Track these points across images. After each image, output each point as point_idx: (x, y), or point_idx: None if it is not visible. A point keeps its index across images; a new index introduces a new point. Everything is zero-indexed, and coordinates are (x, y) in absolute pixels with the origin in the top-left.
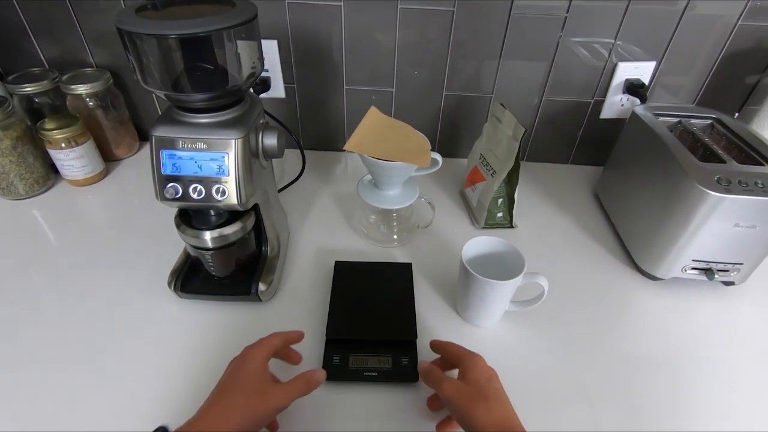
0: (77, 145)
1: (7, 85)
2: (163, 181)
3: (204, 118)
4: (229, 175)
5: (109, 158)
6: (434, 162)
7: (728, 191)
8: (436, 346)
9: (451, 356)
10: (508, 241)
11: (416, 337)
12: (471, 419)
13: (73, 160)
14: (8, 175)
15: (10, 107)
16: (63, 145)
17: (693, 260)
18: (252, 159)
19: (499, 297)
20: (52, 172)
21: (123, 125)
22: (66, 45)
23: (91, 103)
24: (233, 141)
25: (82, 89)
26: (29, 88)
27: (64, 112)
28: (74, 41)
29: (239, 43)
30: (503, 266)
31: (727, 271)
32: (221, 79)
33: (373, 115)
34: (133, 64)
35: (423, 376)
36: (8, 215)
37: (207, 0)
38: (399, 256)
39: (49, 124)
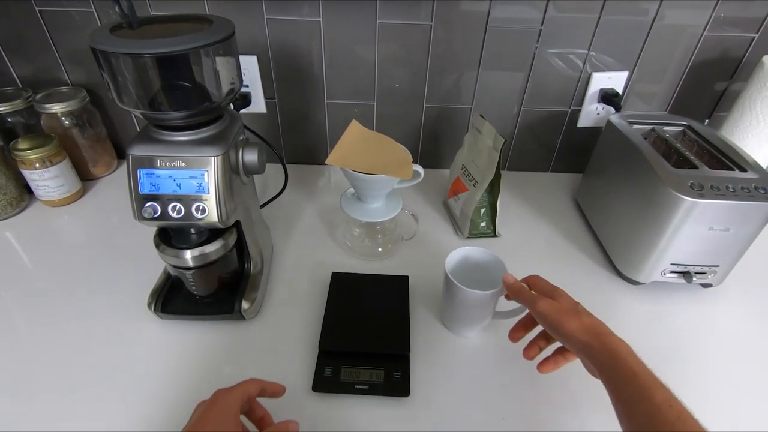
0: (52, 164)
1: None
2: (140, 200)
3: (182, 136)
4: (209, 193)
5: (86, 177)
6: (416, 174)
7: (701, 196)
8: (522, 282)
9: (538, 290)
10: (492, 250)
11: (409, 351)
12: (565, 328)
13: (48, 180)
14: None
15: None
16: (37, 165)
17: (671, 264)
18: (232, 176)
19: (483, 307)
20: (26, 192)
21: (100, 143)
22: (40, 63)
23: (66, 122)
24: (213, 158)
25: (57, 108)
26: (1, 108)
27: (38, 131)
28: (48, 59)
29: (217, 60)
30: (487, 276)
31: (705, 273)
32: (199, 96)
33: (355, 128)
34: (109, 83)
35: (514, 293)
36: None
37: (184, 18)
38: (383, 268)
39: (22, 144)
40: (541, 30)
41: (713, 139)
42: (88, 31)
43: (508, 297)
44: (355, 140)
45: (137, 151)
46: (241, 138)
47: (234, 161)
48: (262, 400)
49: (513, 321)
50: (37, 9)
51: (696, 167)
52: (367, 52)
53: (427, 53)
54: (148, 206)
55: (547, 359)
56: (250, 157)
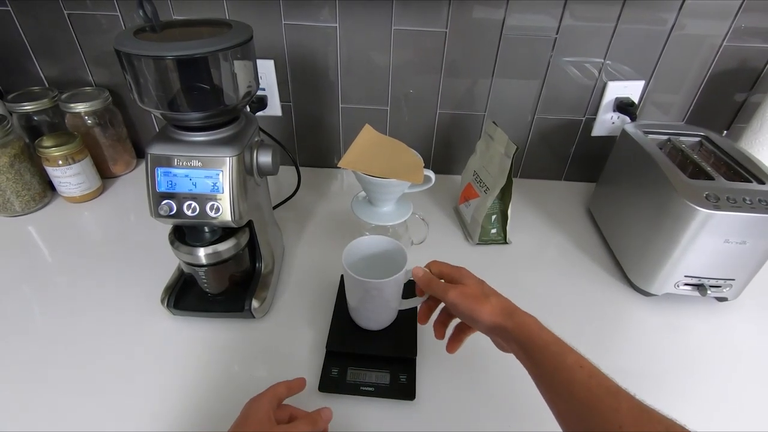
0: (74, 162)
1: (7, 104)
2: (157, 198)
3: (199, 136)
4: (223, 192)
5: (106, 175)
6: (427, 179)
7: (717, 208)
8: (425, 269)
9: (443, 275)
10: (503, 258)
11: (416, 354)
12: (477, 314)
13: (69, 177)
14: (5, 192)
15: (9, 125)
16: (60, 162)
17: (685, 276)
18: (246, 176)
19: (389, 296)
20: (49, 188)
21: (120, 142)
22: (66, 64)
23: (89, 121)
24: (228, 159)
25: (80, 107)
26: (28, 107)
27: (62, 130)
28: (74, 60)
29: (235, 63)
30: (391, 264)
31: (720, 287)
32: (217, 98)
33: (368, 132)
34: (131, 84)
35: (424, 284)
36: (4, 232)
37: (204, 22)
38: None
39: (47, 142)
40: (556, 39)
41: (731, 150)
42: (113, 34)
43: (420, 292)
44: (367, 144)
45: (156, 150)
46: (256, 140)
47: (248, 162)
48: None
49: None
50: (65, 12)
51: (712, 178)
52: (382, 58)
53: (442, 60)
54: (165, 204)
55: (451, 339)
56: (264, 158)
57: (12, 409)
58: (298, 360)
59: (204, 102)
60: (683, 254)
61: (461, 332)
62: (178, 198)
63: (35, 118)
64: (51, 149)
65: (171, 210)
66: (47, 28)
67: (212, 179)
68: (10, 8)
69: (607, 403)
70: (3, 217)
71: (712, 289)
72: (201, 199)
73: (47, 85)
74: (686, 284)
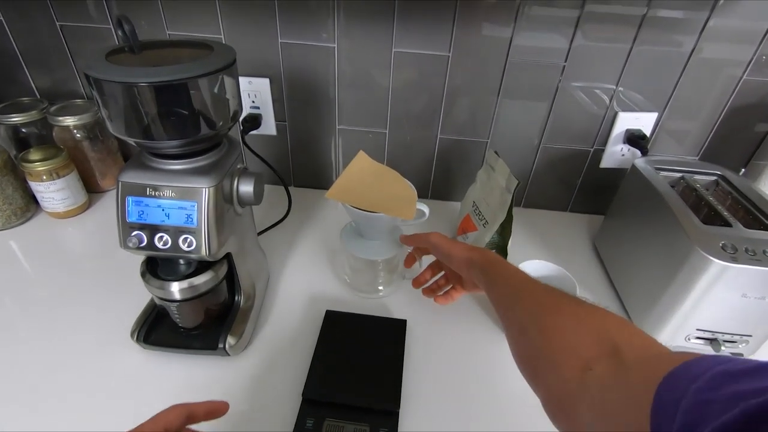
0: (59, 177)
1: None
2: (127, 228)
3: (176, 165)
4: (197, 225)
5: (94, 189)
6: (420, 214)
7: (734, 260)
8: (403, 238)
9: (418, 242)
10: None
11: (399, 407)
12: (452, 251)
13: (53, 192)
14: None
15: None
16: (44, 177)
17: (697, 329)
18: (225, 206)
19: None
20: (32, 202)
21: (110, 156)
22: (58, 75)
23: (78, 135)
24: (204, 189)
25: (69, 121)
26: (16, 118)
27: (49, 143)
28: (66, 72)
29: (213, 89)
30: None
31: (735, 342)
32: (194, 126)
33: (361, 160)
34: (101, 110)
35: (405, 239)
36: None
37: (185, 43)
38: (381, 306)
39: (31, 156)
40: (565, 63)
41: (749, 192)
42: (105, 45)
43: (408, 261)
44: (359, 172)
45: (127, 177)
46: (238, 167)
47: (228, 191)
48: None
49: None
50: (57, 24)
51: (729, 225)
52: (382, 80)
53: (443, 84)
54: (134, 235)
55: (443, 294)
56: (246, 188)
57: None
58: (272, 405)
59: (179, 130)
60: (696, 306)
61: (453, 290)
62: (150, 229)
63: (23, 130)
64: (35, 164)
65: (141, 242)
66: (39, 39)
67: (186, 211)
68: (2, 18)
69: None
70: None
71: (726, 344)
72: (173, 231)
73: (38, 96)
74: (698, 338)
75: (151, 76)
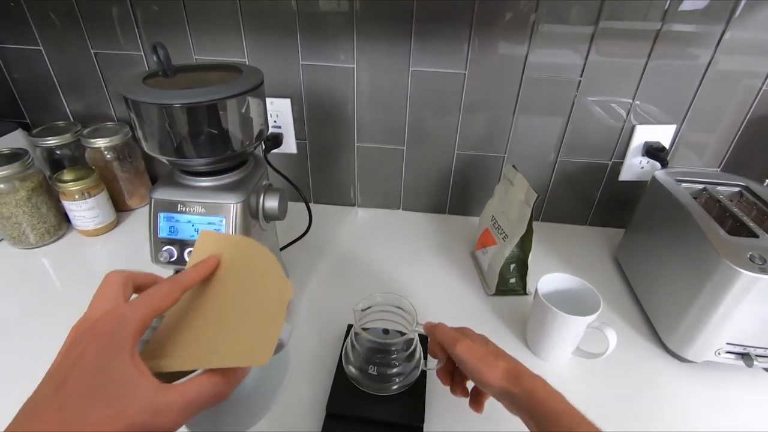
0: (90, 196)
1: (31, 138)
2: (159, 243)
3: (205, 182)
4: None
5: (122, 208)
6: (279, 347)
7: (763, 271)
8: (428, 328)
9: (441, 336)
10: (520, 309)
11: (423, 422)
12: (486, 378)
13: (84, 210)
14: (20, 225)
15: (30, 160)
16: (77, 196)
17: (727, 343)
18: (251, 221)
19: (570, 332)
20: (65, 221)
21: (138, 176)
22: (91, 99)
23: (108, 156)
24: (232, 205)
25: (101, 143)
26: (51, 141)
27: (81, 164)
28: (98, 96)
29: (242, 109)
30: (577, 304)
31: None
32: (223, 144)
33: (206, 242)
34: (138, 130)
35: (430, 330)
36: (17, 263)
37: (216, 67)
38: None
39: (66, 176)
40: (581, 78)
41: None
42: (136, 71)
43: (433, 352)
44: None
45: (160, 194)
46: (264, 183)
47: (254, 207)
48: None
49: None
50: (92, 51)
51: (756, 236)
52: (399, 98)
53: (460, 101)
54: (165, 250)
55: (471, 401)
56: (271, 203)
57: None
58: (296, 419)
59: (209, 148)
60: (725, 320)
61: (478, 394)
62: (180, 244)
63: (57, 152)
64: (68, 183)
65: (171, 256)
66: (75, 66)
67: (215, 226)
68: (42, 47)
69: None
70: (17, 249)
71: (760, 359)
72: None
73: (72, 119)
74: (729, 352)
75: (186, 98)
